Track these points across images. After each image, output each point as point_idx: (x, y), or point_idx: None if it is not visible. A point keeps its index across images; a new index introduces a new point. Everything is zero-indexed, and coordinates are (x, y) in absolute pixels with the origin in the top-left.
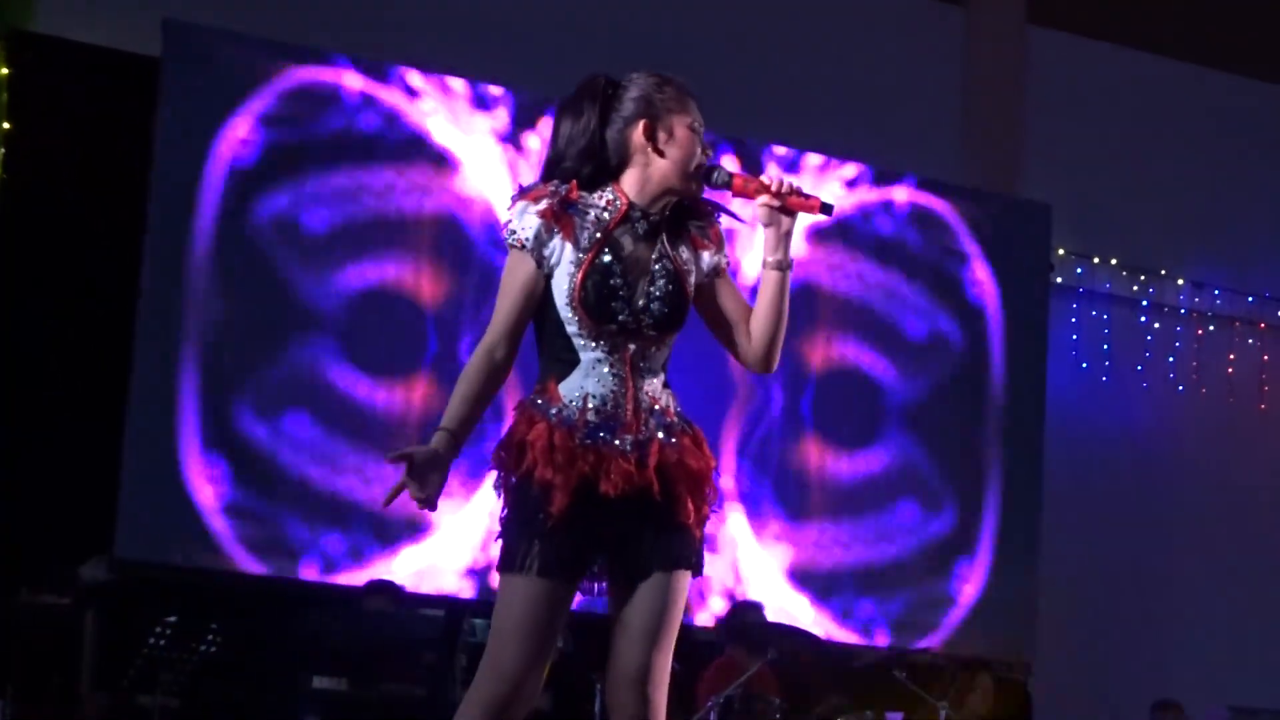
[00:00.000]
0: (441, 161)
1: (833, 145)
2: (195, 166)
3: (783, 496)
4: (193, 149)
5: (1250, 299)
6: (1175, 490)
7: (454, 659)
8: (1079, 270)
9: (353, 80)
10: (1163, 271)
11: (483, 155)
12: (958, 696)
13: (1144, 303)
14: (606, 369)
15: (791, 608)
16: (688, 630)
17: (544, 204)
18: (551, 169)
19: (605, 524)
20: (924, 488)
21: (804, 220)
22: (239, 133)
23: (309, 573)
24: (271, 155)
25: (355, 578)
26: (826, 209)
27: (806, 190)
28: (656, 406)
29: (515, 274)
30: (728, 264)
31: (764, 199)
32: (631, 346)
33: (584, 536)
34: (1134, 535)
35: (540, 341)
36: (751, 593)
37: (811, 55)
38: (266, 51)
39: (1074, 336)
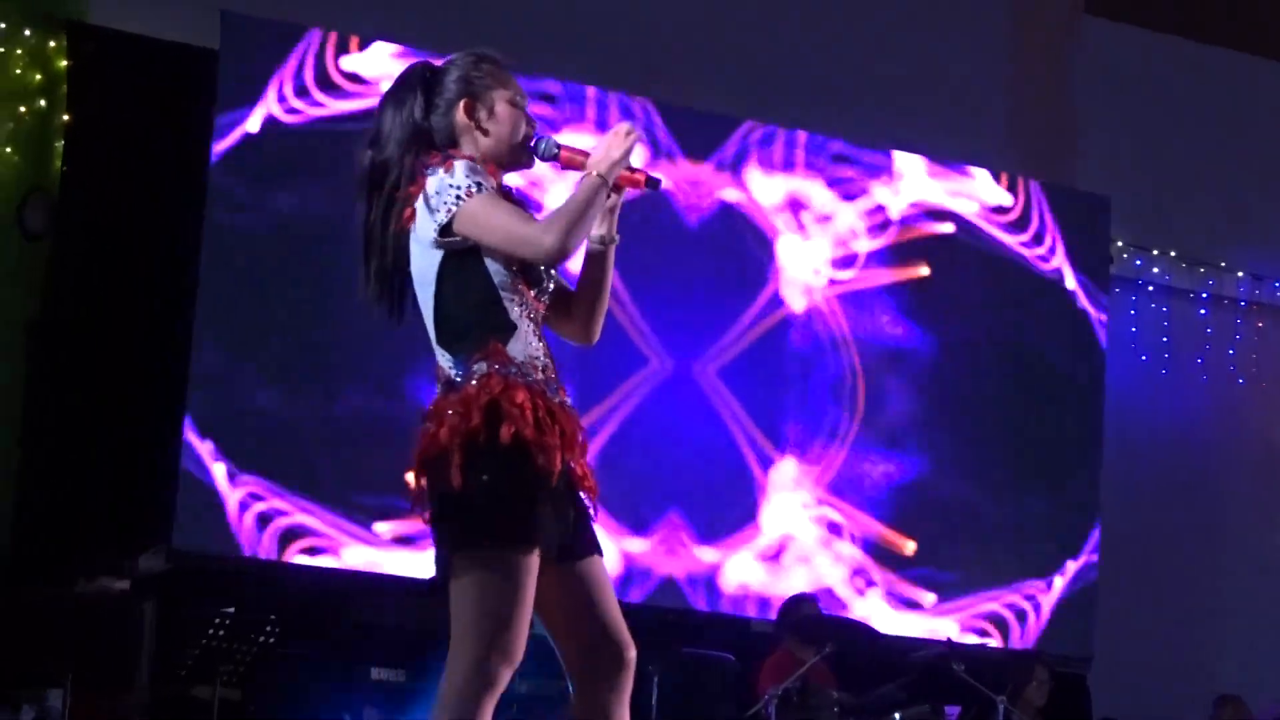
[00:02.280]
0: None
1: (883, 136)
2: (253, 158)
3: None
4: (250, 140)
5: None
6: (1235, 482)
7: None
8: (1138, 262)
9: None
10: (1222, 264)
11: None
12: (1015, 690)
13: (1203, 295)
14: (533, 335)
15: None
16: (744, 624)
17: (480, 166)
18: (373, 165)
19: (562, 489)
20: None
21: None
22: (298, 124)
23: (368, 564)
24: (331, 146)
25: (413, 568)
26: (653, 183)
27: (634, 164)
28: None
29: (504, 202)
30: None
31: None
32: (539, 314)
33: (559, 504)
34: (1193, 527)
35: (458, 310)
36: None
37: (860, 45)
38: (326, 43)
39: (1133, 329)
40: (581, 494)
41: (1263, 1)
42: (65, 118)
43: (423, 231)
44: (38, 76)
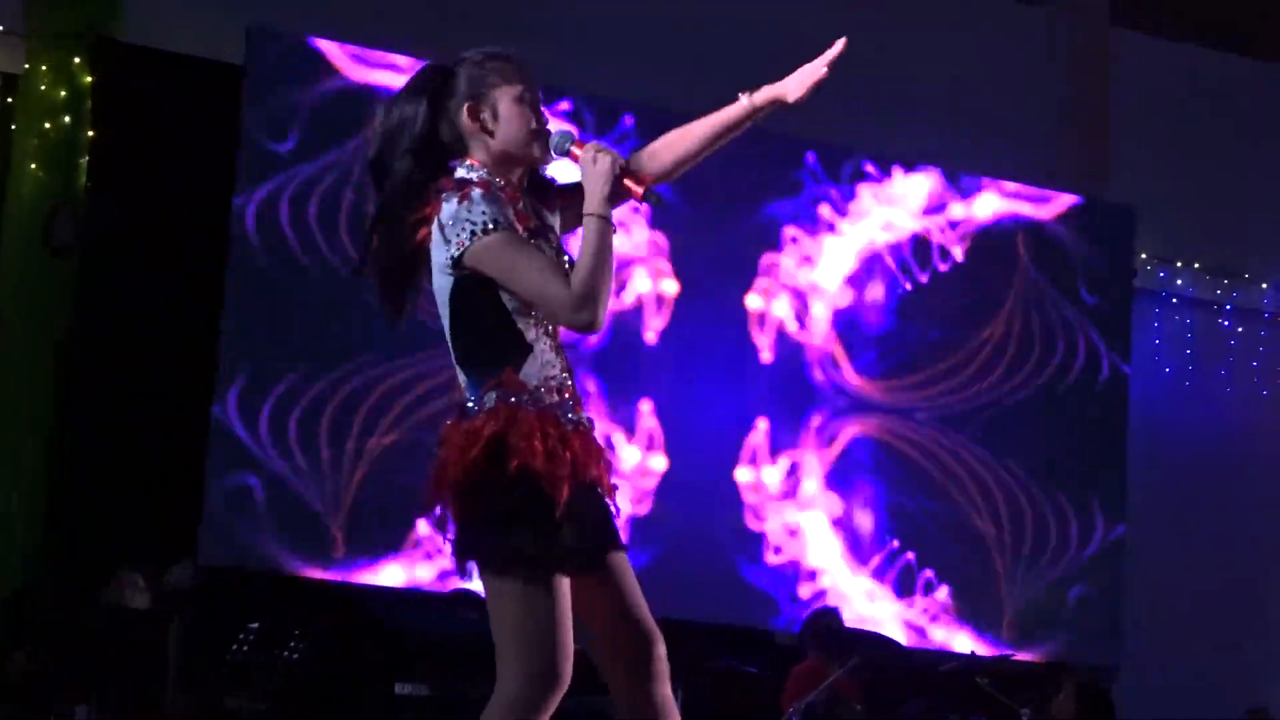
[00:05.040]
0: None
1: (913, 149)
2: (279, 174)
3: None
4: (276, 156)
5: None
6: (1260, 494)
7: None
8: (1162, 274)
9: None
10: (1246, 275)
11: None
12: (1041, 703)
13: (1227, 306)
14: (551, 353)
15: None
16: (768, 636)
17: (498, 191)
18: (377, 169)
19: (579, 504)
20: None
21: None
22: (323, 140)
23: (393, 579)
24: (356, 162)
25: (441, 584)
26: (650, 196)
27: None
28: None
29: (526, 247)
30: None
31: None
32: (556, 329)
33: (577, 521)
34: (1218, 539)
35: (473, 335)
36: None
37: (891, 61)
38: (351, 58)
39: (1156, 341)
40: (601, 492)
41: None
42: (90, 133)
43: (437, 256)
44: (62, 93)
